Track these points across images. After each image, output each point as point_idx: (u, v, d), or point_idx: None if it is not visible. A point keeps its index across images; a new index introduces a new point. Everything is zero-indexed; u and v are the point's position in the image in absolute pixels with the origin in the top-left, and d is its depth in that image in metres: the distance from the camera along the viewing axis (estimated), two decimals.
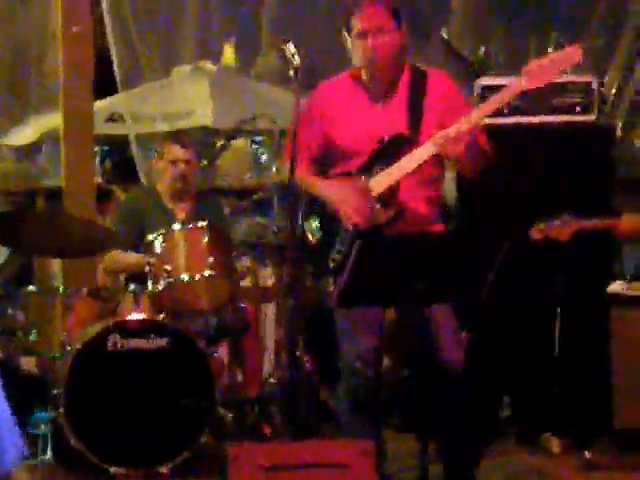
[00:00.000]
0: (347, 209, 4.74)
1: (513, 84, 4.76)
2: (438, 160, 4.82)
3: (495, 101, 4.83)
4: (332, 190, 4.80)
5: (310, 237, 4.89)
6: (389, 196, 4.78)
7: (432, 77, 4.94)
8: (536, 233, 5.57)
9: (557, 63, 4.72)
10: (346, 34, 4.86)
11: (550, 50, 7.21)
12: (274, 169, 7.81)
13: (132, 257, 5.92)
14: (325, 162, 4.96)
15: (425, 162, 4.73)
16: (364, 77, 4.88)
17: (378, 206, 4.77)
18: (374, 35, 4.80)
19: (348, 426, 4.90)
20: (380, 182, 4.78)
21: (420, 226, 4.81)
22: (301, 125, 4.88)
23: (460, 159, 4.71)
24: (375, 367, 4.85)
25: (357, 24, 4.81)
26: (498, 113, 6.13)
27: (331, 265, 4.81)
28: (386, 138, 4.81)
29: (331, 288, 4.82)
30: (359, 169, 4.79)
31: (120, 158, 8.16)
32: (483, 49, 7.97)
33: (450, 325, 4.80)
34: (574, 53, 4.75)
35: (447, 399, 4.74)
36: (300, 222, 4.93)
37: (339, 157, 4.92)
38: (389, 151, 4.81)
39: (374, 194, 4.76)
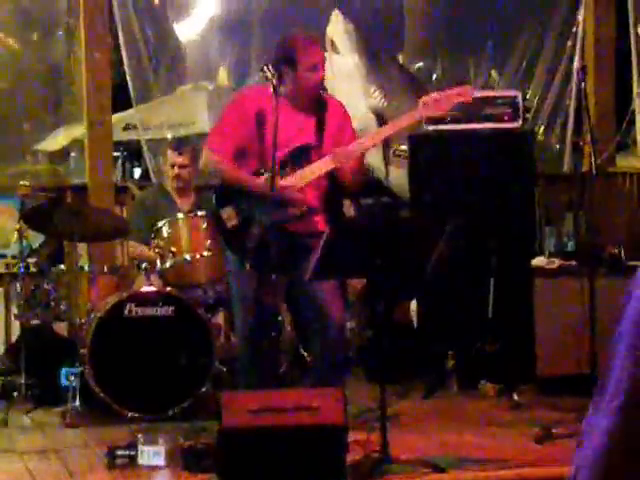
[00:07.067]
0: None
1: (412, 112, 4.72)
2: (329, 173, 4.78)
3: (395, 125, 4.80)
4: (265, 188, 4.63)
5: (228, 223, 4.85)
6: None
7: (330, 103, 4.89)
8: None
9: (450, 98, 4.67)
10: (284, 67, 4.68)
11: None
12: None
13: (145, 250, 5.85)
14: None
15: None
16: (289, 96, 4.72)
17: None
18: (322, 68, 4.75)
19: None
20: (292, 183, 4.72)
21: (309, 218, 4.80)
22: (229, 122, 4.80)
23: (351, 172, 4.71)
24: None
25: (308, 59, 4.69)
26: (440, 121, 6.09)
27: (249, 246, 4.71)
28: (298, 145, 4.75)
29: (247, 268, 4.72)
30: (276, 167, 4.53)
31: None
32: (435, 75, 7.94)
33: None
34: (466, 92, 4.70)
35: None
36: (216, 209, 4.88)
37: (251, 155, 4.81)
38: (300, 156, 4.75)
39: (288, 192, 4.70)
